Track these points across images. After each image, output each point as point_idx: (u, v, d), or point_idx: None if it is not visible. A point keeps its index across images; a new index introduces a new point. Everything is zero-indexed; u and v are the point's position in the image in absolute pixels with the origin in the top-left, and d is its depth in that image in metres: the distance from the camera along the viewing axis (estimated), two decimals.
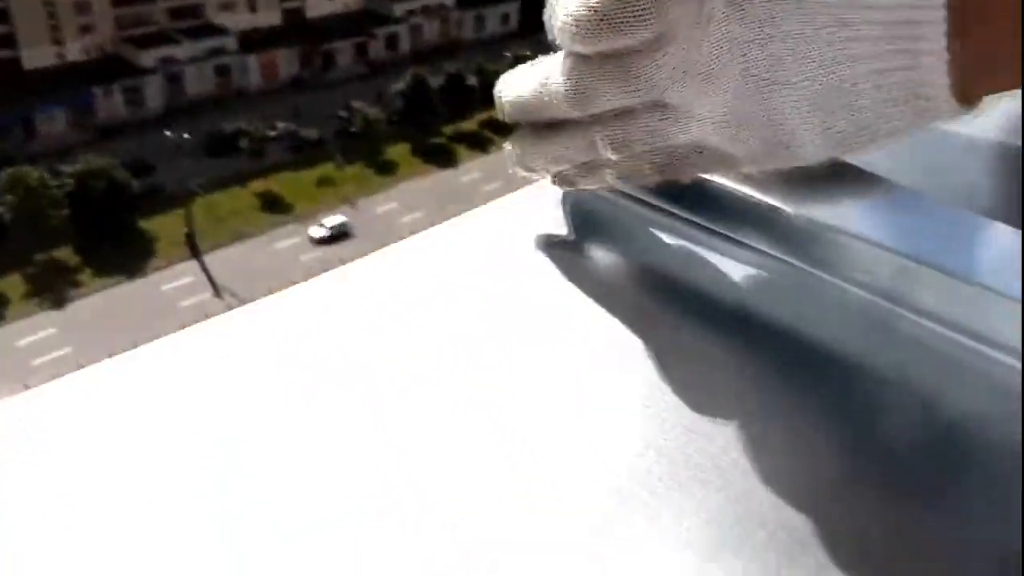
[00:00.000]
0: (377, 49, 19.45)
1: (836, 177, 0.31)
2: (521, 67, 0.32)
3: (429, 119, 17.60)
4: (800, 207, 0.31)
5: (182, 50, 17.32)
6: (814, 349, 0.29)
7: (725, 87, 0.28)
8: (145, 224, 15.34)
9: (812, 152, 0.30)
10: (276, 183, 16.11)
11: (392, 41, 19.63)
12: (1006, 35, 0.26)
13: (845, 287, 0.30)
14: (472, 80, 17.82)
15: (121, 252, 14.35)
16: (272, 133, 17.42)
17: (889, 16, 0.27)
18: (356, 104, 17.97)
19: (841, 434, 0.26)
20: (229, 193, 16.02)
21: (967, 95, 0.27)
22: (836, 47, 0.27)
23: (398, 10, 19.27)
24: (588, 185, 0.32)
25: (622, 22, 0.28)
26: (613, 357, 0.29)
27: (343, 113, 17.83)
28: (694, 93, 0.28)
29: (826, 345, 0.29)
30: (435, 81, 17.68)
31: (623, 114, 0.29)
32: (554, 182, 0.32)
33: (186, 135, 16.36)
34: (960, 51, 0.26)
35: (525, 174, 0.32)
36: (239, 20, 18.60)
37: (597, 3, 0.28)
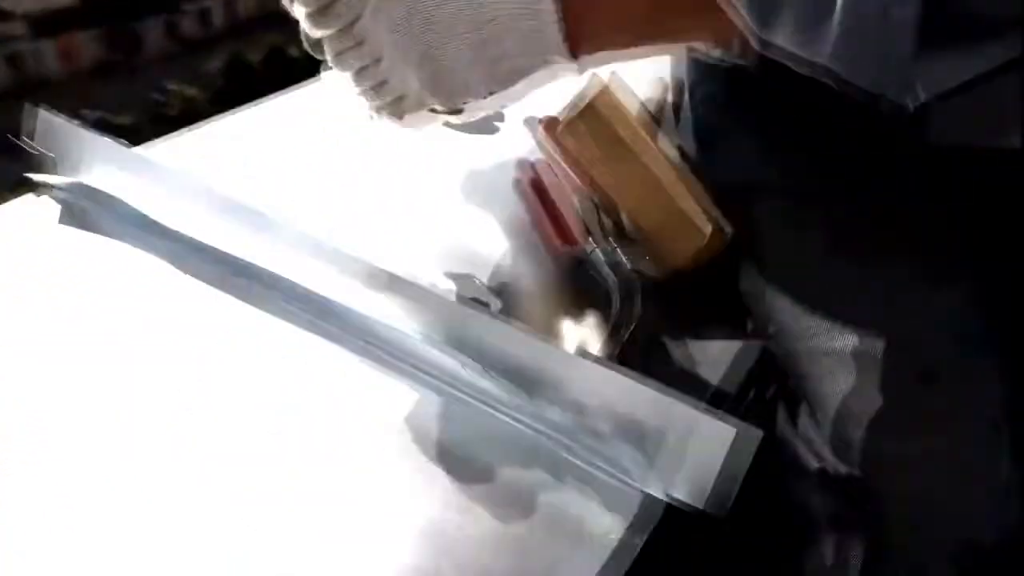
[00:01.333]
0: (190, 25, 18.64)
1: None
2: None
3: (251, 96, 17.16)
4: None
5: None
6: None
7: (405, 45, 0.41)
8: None
9: (481, 92, 0.43)
10: None
11: (205, 16, 18.84)
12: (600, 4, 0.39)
13: None
14: (295, 51, 17.36)
15: None
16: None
17: None
18: (172, 86, 17.27)
19: None
20: None
21: (576, 50, 0.40)
22: (478, 10, 0.39)
23: None
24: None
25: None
26: None
27: (158, 96, 17.11)
28: (391, 47, 0.41)
29: None
30: (255, 55, 17.22)
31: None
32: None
33: None
34: (566, 14, 0.39)
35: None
36: (28, 3, 17.32)
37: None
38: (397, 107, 0.45)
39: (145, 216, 0.54)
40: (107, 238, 0.55)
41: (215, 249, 0.52)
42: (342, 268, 0.47)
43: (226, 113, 0.82)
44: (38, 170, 0.57)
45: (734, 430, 0.38)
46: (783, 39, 0.37)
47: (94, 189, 0.55)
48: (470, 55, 0.40)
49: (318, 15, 0.42)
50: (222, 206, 0.52)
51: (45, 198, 0.57)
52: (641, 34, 0.41)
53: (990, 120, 0.41)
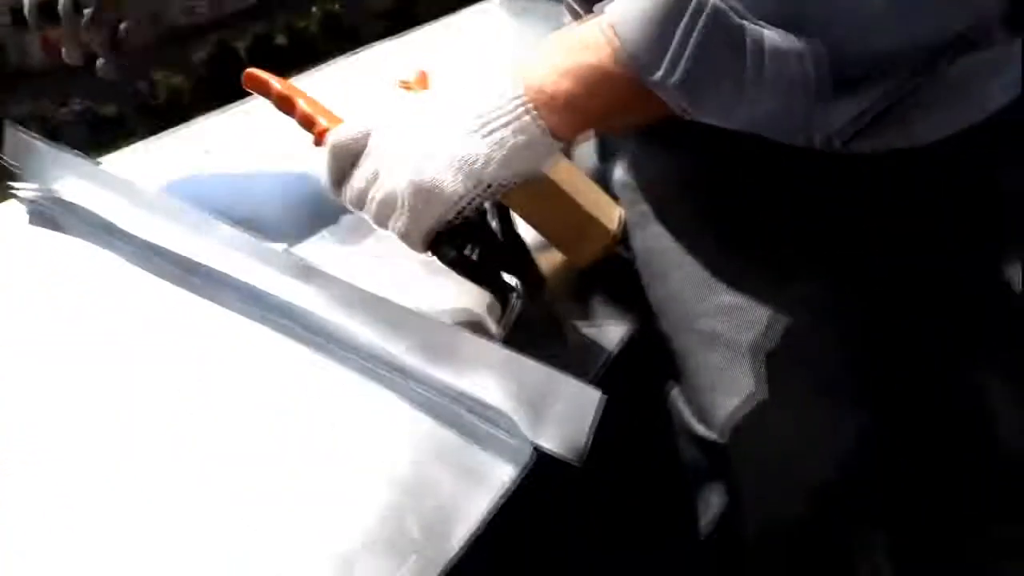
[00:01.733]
0: (174, 14, 18.33)
1: None
2: None
3: (237, 85, 17.01)
4: None
5: None
6: None
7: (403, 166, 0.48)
8: None
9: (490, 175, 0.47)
10: None
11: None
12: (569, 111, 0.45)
13: None
14: (281, 39, 17.26)
15: None
16: (66, 112, 16.30)
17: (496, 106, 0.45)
18: (157, 75, 17.05)
19: None
20: None
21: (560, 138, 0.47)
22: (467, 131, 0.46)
23: None
24: None
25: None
26: None
27: (144, 86, 16.88)
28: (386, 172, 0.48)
29: None
30: (242, 44, 17.05)
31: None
32: None
33: None
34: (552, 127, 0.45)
35: None
36: None
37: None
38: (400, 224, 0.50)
39: (106, 220, 0.61)
40: (75, 238, 0.62)
41: (168, 250, 0.59)
42: (276, 265, 0.54)
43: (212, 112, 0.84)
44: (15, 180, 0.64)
45: (598, 392, 0.45)
46: (711, 117, 0.44)
47: (59, 196, 0.62)
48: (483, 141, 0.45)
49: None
50: (173, 212, 0.58)
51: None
52: (598, 129, 0.52)
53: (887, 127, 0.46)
